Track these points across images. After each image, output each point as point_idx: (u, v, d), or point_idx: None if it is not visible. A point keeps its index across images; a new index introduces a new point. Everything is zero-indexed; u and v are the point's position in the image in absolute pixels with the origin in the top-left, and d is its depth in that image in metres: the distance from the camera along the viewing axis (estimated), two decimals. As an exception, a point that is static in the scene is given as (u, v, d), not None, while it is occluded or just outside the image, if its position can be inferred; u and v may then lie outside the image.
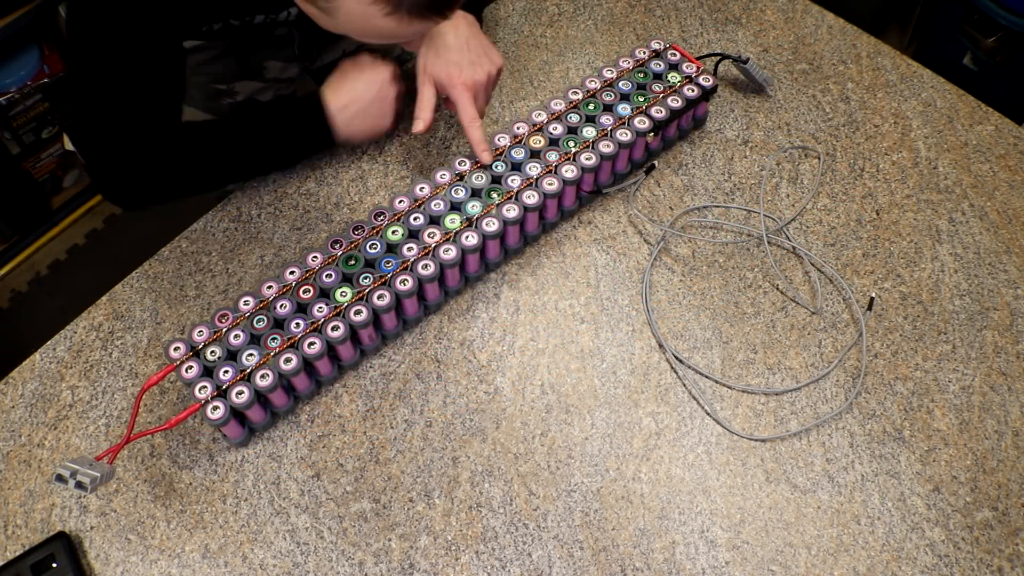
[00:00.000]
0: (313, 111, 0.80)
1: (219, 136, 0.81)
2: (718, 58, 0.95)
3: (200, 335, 0.70)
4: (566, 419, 0.74)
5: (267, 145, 0.83)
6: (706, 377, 0.76)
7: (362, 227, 0.76)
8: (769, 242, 0.84)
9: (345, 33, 0.64)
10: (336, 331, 0.70)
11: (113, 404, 0.75)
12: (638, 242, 0.85)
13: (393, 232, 0.76)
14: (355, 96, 0.81)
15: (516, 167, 0.80)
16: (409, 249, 0.74)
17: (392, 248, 0.75)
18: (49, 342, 0.80)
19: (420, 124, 0.80)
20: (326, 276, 0.73)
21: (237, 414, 0.69)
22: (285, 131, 0.82)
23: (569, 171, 0.79)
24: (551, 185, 0.78)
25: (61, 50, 1.63)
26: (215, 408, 0.66)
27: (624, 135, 0.82)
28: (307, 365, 0.71)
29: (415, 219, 0.76)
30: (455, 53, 0.79)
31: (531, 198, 0.77)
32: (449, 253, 0.74)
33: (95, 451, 0.73)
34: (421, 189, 0.79)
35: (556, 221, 0.85)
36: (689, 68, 0.88)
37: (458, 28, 0.80)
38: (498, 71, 0.82)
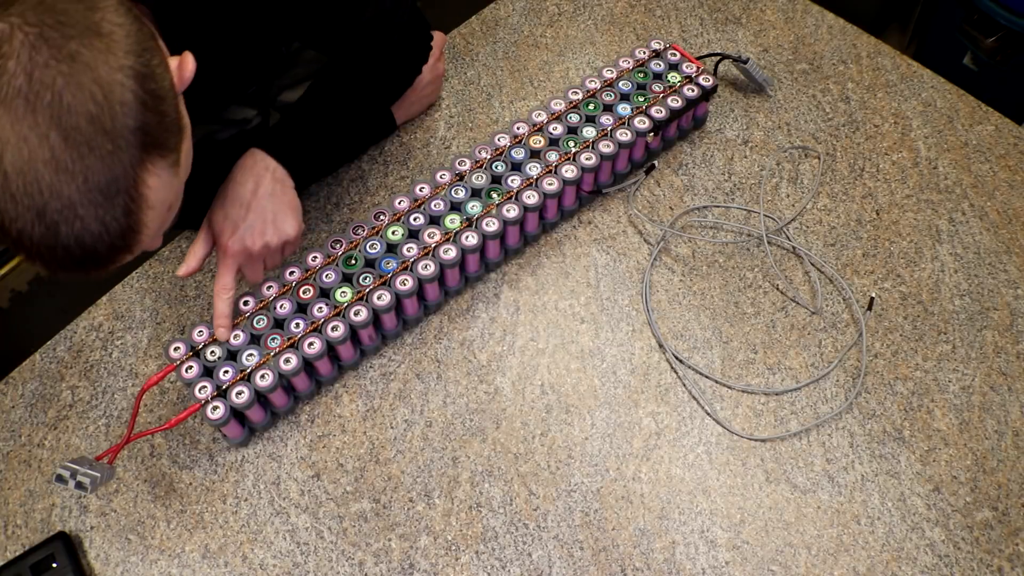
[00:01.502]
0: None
1: (296, 141, 0.78)
2: (718, 58, 0.95)
3: (200, 335, 0.70)
4: (566, 419, 0.74)
5: (338, 143, 0.83)
6: (706, 377, 0.76)
7: (362, 227, 0.76)
8: (769, 242, 0.84)
9: None
10: (336, 331, 0.70)
11: (113, 404, 0.75)
12: (638, 242, 0.85)
13: (393, 232, 0.76)
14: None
15: (516, 167, 0.80)
16: (409, 249, 0.74)
17: (392, 248, 0.75)
18: (49, 342, 0.80)
19: (182, 268, 0.69)
20: (326, 276, 0.73)
21: (237, 414, 0.69)
22: (353, 127, 0.83)
23: (569, 171, 0.79)
24: (551, 185, 0.78)
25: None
26: (215, 408, 0.66)
27: (624, 135, 0.82)
28: (307, 365, 0.71)
29: (415, 219, 0.76)
30: (237, 210, 0.69)
31: (531, 198, 0.77)
32: (449, 253, 0.74)
33: (95, 451, 0.73)
34: (421, 189, 0.79)
35: (556, 221, 0.85)
36: (689, 68, 0.88)
37: (260, 182, 0.70)
38: (283, 243, 0.70)
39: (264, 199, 0.69)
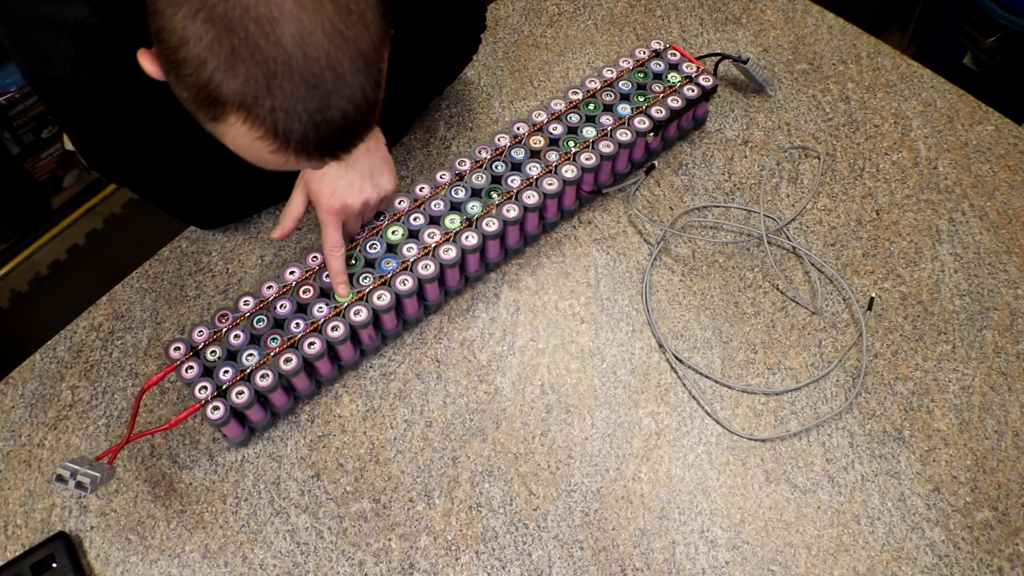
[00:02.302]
0: None
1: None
2: (718, 58, 0.95)
3: (200, 335, 0.70)
4: (566, 419, 0.74)
5: (413, 104, 0.83)
6: (706, 377, 0.76)
7: (362, 227, 0.76)
8: (769, 242, 0.84)
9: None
10: (336, 331, 0.70)
11: (113, 404, 0.75)
12: (638, 242, 0.85)
13: (393, 232, 0.76)
14: None
15: (516, 167, 0.80)
16: (409, 249, 0.74)
17: (392, 248, 0.75)
18: (49, 342, 0.80)
19: (277, 231, 0.73)
20: (326, 276, 0.73)
21: (237, 414, 0.69)
22: (422, 90, 0.84)
23: (569, 171, 0.79)
24: (551, 185, 0.78)
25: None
26: (215, 408, 0.66)
27: (624, 135, 0.82)
28: (307, 365, 0.71)
29: (415, 219, 0.76)
30: (335, 169, 0.70)
31: (531, 198, 0.77)
32: (449, 253, 0.74)
33: (95, 451, 0.73)
34: (421, 189, 0.79)
35: (556, 221, 0.85)
36: (689, 68, 0.88)
37: None
38: (381, 198, 0.73)
39: (360, 156, 0.70)
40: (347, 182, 0.70)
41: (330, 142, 0.52)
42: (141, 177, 0.77)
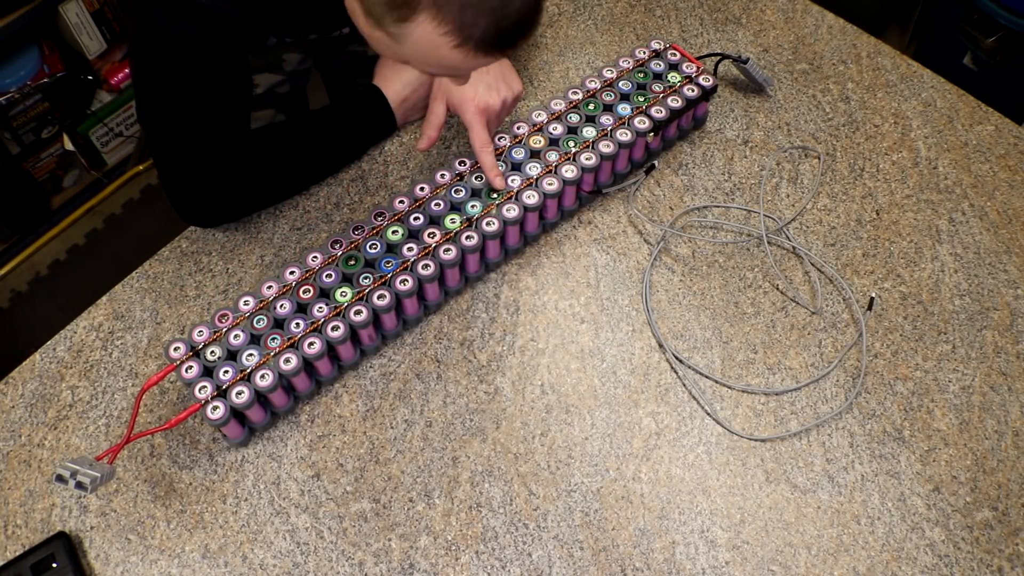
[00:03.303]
0: (378, 107, 0.87)
1: (291, 145, 0.84)
2: (718, 58, 0.95)
3: (200, 335, 0.70)
4: (566, 419, 0.74)
5: (338, 146, 0.88)
6: (706, 377, 0.76)
7: (362, 227, 0.76)
8: (769, 242, 0.84)
9: (406, 61, 0.62)
10: (336, 331, 0.70)
11: (113, 404, 0.75)
12: (638, 242, 0.85)
13: (393, 232, 0.76)
14: (410, 83, 0.87)
15: (516, 167, 0.80)
16: (409, 249, 0.74)
17: (392, 248, 0.75)
18: (49, 342, 0.80)
19: (424, 141, 0.80)
20: (326, 276, 0.73)
21: (237, 414, 0.69)
22: (353, 130, 0.87)
23: (569, 171, 0.79)
24: (551, 185, 0.78)
25: (62, 51, 1.64)
26: (215, 408, 0.66)
27: (624, 135, 0.82)
28: (307, 365, 0.71)
29: (415, 219, 0.76)
30: (473, 75, 0.77)
31: (531, 198, 0.77)
32: (449, 253, 0.74)
33: (95, 451, 0.73)
34: (421, 189, 0.79)
35: (556, 221, 0.85)
36: (689, 68, 0.88)
37: None
38: (515, 98, 0.81)
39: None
40: (485, 85, 0.78)
41: (507, 36, 0.56)
42: (183, 135, 0.77)
